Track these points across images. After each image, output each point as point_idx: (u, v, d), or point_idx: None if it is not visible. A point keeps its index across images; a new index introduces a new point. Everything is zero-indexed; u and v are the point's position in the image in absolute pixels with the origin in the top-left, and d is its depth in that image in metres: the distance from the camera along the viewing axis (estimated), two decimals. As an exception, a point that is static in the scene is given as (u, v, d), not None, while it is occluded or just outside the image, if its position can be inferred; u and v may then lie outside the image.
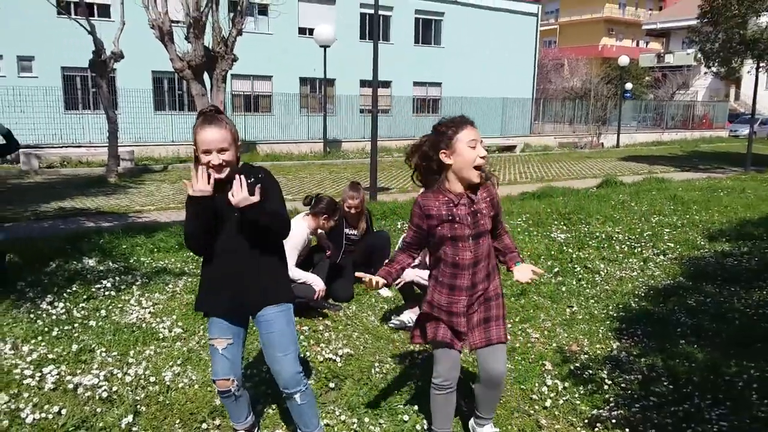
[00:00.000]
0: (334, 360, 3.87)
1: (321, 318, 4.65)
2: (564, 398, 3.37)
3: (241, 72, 20.01)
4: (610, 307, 4.93)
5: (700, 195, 10.75)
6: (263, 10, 22.14)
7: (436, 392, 2.70)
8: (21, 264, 5.93)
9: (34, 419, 3.08)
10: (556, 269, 6.03)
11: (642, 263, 6.33)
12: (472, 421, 2.93)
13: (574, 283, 5.65)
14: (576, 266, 6.15)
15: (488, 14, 27.48)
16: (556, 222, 8.36)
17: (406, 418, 3.13)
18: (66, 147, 17.26)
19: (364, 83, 23.51)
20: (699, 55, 19.32)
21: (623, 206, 9.64)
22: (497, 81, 27.26)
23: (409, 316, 4.62)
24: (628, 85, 39.34)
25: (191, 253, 6.54)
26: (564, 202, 9.69)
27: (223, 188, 2.53)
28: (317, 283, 4.61)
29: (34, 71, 18.88)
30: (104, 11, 19.36)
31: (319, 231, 5.03)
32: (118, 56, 13.51)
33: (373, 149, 10.18)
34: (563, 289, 5.46)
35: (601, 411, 3.23)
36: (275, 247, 2.65)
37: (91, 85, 18.91)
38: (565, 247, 6.90)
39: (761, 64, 17.02)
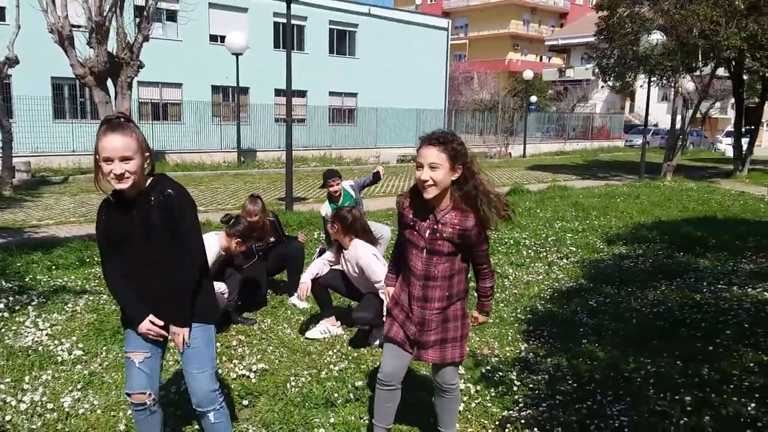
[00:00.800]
0: (248, 376, 3.79)
1: (234, 333, 4.54)
2: (476, 401, 3.46)
3: (149, 79, 19.29)
4: (519, 310, 5.13)
5: (599, 201, 11.42)
6: (172, 16, 21.46)
7: (380, 387, 2.76)
8: None
9: None
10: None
11: (547, 267, 6.63)
12: None
13: (486, 288, 5.82)
14: (487, 272, 6.34)
15: (401, 27, 28.01)
16: (468, 230, 8.59)
17: (322, 431, 3.10)
18: (-48, 158, 15.91)
19: (278, 92, 23.25)
20: (596, 70, 20.59)
21: (530, 213, 10.07)
22: (411, 92, 27.78)
23: (326, 326, 4.59)
24: (533, 98, 41.19)
25: (93, 270, 6.24)
26: (475, 210, 9.98)
27: (131, 209, 2.41)
28: (222, 287, 4.50)
29: None
30: (-2, 13, 18.10)
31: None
32: (13, 62, 12.67)
33: (288, 159, 10.08)
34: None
35: (511, 412, 3.34)
36: (191, 273, 2.51)
37: (-19, 91, 17.57)
38: (476, 254, 7.10)
39: (652, 79, 18.37)
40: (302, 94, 24.98)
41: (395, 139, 26.41)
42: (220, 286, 4.51)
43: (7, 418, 3.19)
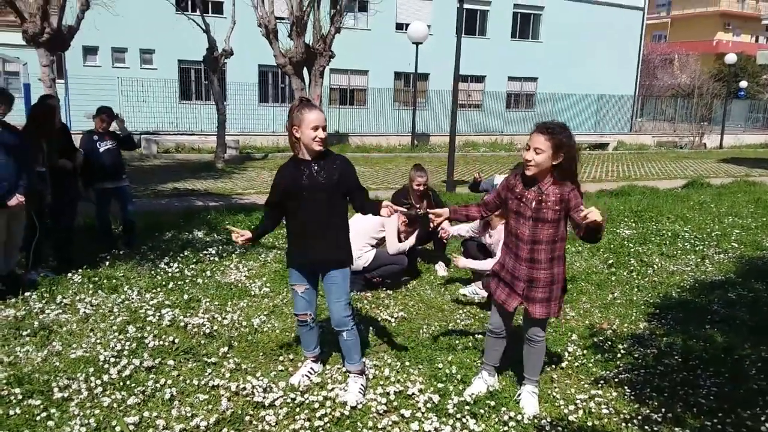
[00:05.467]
0: (390, 321, 4.60)
1: (384, 288, 5.38)
2: (580, 362, 3.90)
3: (340, 66, 21.07)
4: (651, 295, 5.31)
5: (788, 199, 10.49)
6: (363, 6, 23.10)
7: (489, 335, 3.50)
8: (143, 232, 7.10)
9: (154, 345, 4.01)
10: (611, 261, 6.41)
11: (699, 260, 6.57)
12: None
13: (625, 273, 6.02)
14: (632, 259, 6.49)
15: (591, 8, 26.86)
16: (626, 219, 8.61)
17: (440, 365, 3.79)
18: (180, 134, 19.05)
19: (459, 78, 23.92)
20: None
21: (701, 207, 9.66)
22: (597, 76, 26.62)
23: (475, 288, 5.27)
24: (743, 83, 37.00)
25: (281, 231, 7.52)
26: (638, 201, 9.83)
27: (310, 168, 3.23)
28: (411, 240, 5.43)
29: (154, 63, 20.88)
30: (217, 7, 21.02)
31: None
32: (229, 53, 14.85)
33: (452, 143, 10.79)
34: (613, 278, 5.87)
35: (609, 373, 3.73)
36: (343, 222, 3.38)
37: (203, 77, 20.65)
38: (626, 242, 7.21)
39: None
40: (480, 79, 25.43)
41: (571, 126, 25.14)
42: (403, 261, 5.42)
43: (215, 328, 4.34)
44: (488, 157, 19.23)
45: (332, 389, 3.42)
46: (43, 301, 4.77)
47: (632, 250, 6.87)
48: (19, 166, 4.71)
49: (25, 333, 4.15)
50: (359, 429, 3.07)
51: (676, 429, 3.05)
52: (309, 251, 3.35)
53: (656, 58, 39.92)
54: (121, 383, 3.49)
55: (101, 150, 6.16)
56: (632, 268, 6.21)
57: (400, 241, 5.48)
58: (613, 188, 11.65)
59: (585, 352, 4.04)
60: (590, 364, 3.86)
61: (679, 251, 6.93)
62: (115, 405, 3.25)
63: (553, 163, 3.05)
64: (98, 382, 3.46)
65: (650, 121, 30.55)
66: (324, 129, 3.17)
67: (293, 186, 3.28)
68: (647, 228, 8.06)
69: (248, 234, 3.41)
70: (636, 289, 5.52)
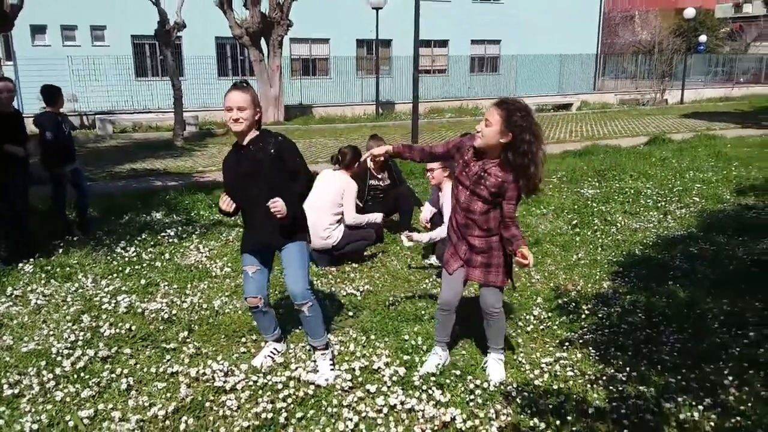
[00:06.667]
0: (355, 294, 4.52)
1: (349, 262, 5.29)
2: (545, 324, 3.89)
3: (299, 36, 20.56)
4: (614, 254, 5.34)
5: (747, 152, 10.67)
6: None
7: (440, 311, 3.35)
8: (99, 217, 6.86)
9: (110, 333, 3.87)
10: (575, 221, 6.42)
11: (661, 216, 6.63)
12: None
13: (589, 233, 6.04)
14: (595, 219, 6.51)
15: (550, -34, 26.64)
16: (589, 179, 8.64)
17: (406, 337, 3.73)
18: (137, 113, 18.47)
19: (422, 43, 23.63)
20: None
21: (663, 163, 9.75)
22: (559, 36, 26.49)
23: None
24: (702, 38, 37.35)
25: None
26: (601, 160, 9.88)
27: (247, 152, 3.15)
28: (378, 217, 5.32)
29: (106, 40, 20.08)
30: (169, -19, 20.25)
31: None
32: (181, 26, 14.32)
33: (414, 111, 10.68)
34: (577, 239, 5.88)
35: (574, 334, 3.73)
36: (291, 201, 3.23)
37: (158, 53, 19.96)
38: (590, 202, 7.23)
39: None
40: (443, 43, 25.14)
41: (535, 88, 25.70)
42: (377, 216, 5.37)
43: (174, 312, 4.21)
44: (453, 123, 19.11)
45: (296, 369, 3.34)
46: (-8, 295, 4.57)
47: (596, 209, 6.90)
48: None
49: (-28, 329, 3.97)
50: (324, 407, 3.00)
51: (641, 387, 3.06)
52: (257, 235, 3.30)
53: (617, 16, 39.98)
54: (75, 376, 3.35)
55: (66, 132, 5.92)
56: (596, 227, 6.24)
57: (358, 211, 5.39)
58: (577, 148, 11.69)
59: (550, 314, 4.03)
60: (555, 327, 3.85)
61: (641, 208, 6.98)
62: (68, 399, 3.12)
63: (501, 140, 2.90)
64: (50, 375, 3.32)
65: (613, 79, 30.71)
66: (240, 109, 3.09)
67: (233, 174, 3.25)
68: (610, 186, 8.11)
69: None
70: (600, 249, 5.54)
